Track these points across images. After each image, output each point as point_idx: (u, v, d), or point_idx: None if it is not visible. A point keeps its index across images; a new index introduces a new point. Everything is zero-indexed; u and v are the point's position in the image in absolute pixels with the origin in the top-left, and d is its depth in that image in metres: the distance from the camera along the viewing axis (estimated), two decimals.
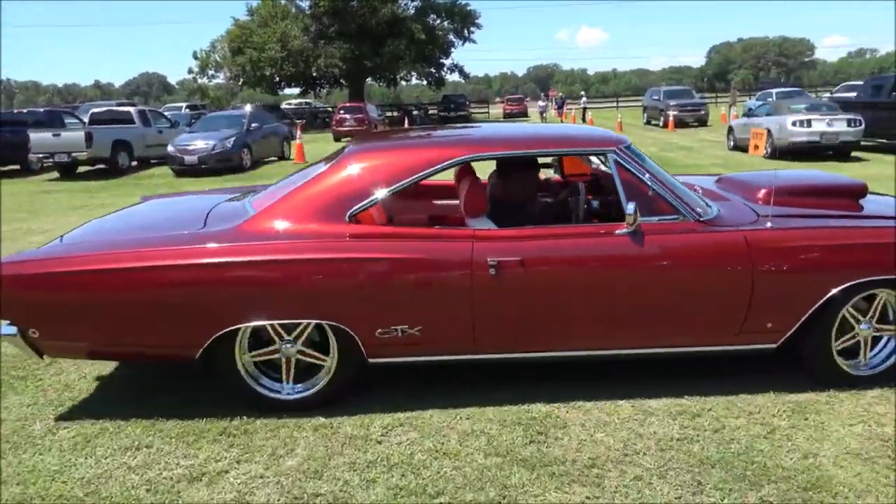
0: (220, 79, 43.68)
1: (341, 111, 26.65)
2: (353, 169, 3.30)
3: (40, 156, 14.77)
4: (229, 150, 14.83)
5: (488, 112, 47.55)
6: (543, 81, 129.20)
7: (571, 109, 35.60)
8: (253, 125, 16.39)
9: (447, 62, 42.71)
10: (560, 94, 43.95)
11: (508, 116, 41.62)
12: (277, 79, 39.32)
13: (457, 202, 4.32)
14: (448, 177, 3.99)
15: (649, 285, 3.17)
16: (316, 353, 3.24)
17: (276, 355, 3.21)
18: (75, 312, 3.07)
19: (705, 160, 14.19)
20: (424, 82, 44.96)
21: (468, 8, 41.14)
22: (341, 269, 3.06)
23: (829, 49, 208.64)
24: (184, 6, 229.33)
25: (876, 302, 3.30)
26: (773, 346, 3.30)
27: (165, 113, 20.83)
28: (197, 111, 27.72)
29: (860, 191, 3.77)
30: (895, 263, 3.15)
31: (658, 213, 3.20)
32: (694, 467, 2.73)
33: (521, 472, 2.71)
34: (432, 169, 3.25)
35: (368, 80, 43.28)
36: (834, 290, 3.14)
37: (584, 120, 30.92)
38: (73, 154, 14.50)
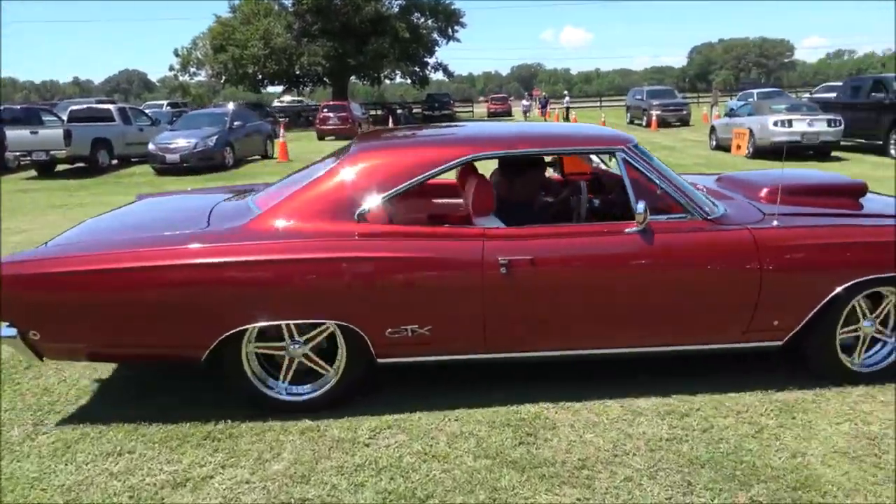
0: (202, 76, 43.33)
1: (325, 110, 26.47)
2: (362, 167, 3.26)
3: (17, 154, 14.50)
4: (211, 149, 14.67)
5: (472, 111, 47.51)
6: (527, 81, 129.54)
7: (555, 109, 35.72)
8: (235, 123, 16.22)
9: (431, 61, 42.66)
10: (543, 93, 44.08)
11: (492, 115, 41.65)
12: (260, 76, 39.00)
13: (458, 201, 4.32)
14: (447, 175, 3.96)
15: (659, 284, 3.17)
16: (320, 361, 3.21)
17: (282, 352, 3.17)
18: (79, 313, 2.99)
19: (688, 160, 14.28)
20: (408, 81, 44.88)
21: (452, 7, 41.13)
22: (351, 269, 3.03)
23: (809, 50, 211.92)
24: (165, 2, 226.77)
25: (884, 304, 3.36)
26: (779, 343, 3.33)
27: (146, 111, 20.53)
28: (178, 109, 27.41)
29: (860, 190, 3.81)
30: None
31: (666, 211, 3.22)
32: (684, 467, 2.72)
33: (511, 475, 2.69)
34: (442, 167, 3.23)
35: (352, 78, 43.06)
36: (839, 289, 3.17)
37: (567, 119, 31.05)
38: (52, 152, 14.25)
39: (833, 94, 16.26)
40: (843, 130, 13.54)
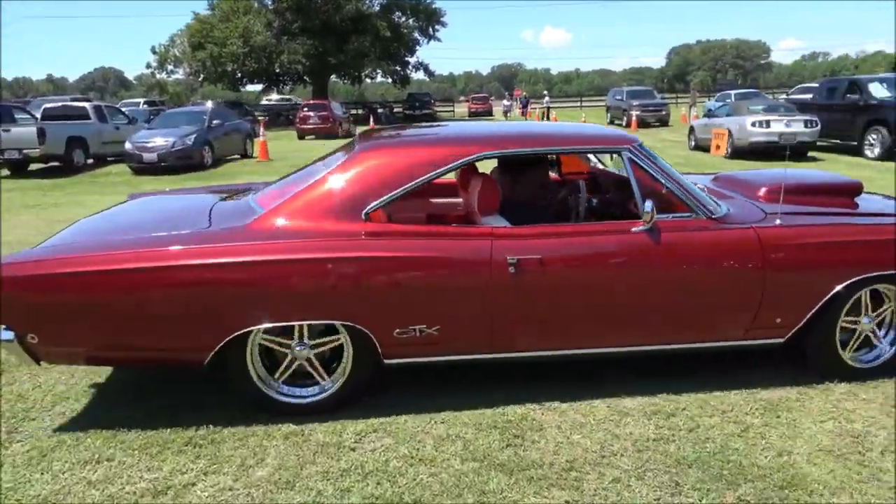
0: (180, 74, 42.89)
1: (305, 108, 26.26)
2: (369, 166, 3.22)
3: None
4: (190, 148, 14.45)
5: (453, 111, 47.52)
6: (508, 81, 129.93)
7: (535, 109, 35.85)
8: (214, 122, 16.01)
9: (412, 60, 42.63)
10: (524, 93, 44.19)
11: (473, 115, 41.68)
12: (239, 75, 38.65)
13: (457, 200, 4.30)
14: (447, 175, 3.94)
15: (667, 282, 3.19)
16: (320, 369, 3.18)
17: (286, 350, 3.13)
18: (80, 316, 2.91)
19: (668, 160, 14.13)
20: (389, 80, 44.73)
21: (433, 6, 41.09)
22: (358, 269, 2.98)
23: (784, 52, 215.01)
24: (142, 0, 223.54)
25: (885, 307, 3.43)
26: (781, 340, 3.37)
27: (123, 109, 20.19)
28: (156, 107, 27.02)
29: (856, 189, 3.87)
30: None
31: (671, 210, 3.24)
32: (671, 468, 2.72)
33: (499, 477, 2.66)
34: (450, 165, 3.22)
35: (332, 77, 42.86)
36: (839, 287, 3.22)
37: (547, 119, 31.16)
38: (25, 151, 13.90)
39: (809, 96, 16.48)
40: (820, 131, 13.74)
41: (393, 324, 3.04)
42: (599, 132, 3.90)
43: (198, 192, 4.67)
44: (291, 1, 34.41)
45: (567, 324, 3.21)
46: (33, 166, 14.83)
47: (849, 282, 3.22)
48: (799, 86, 24.39)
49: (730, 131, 14.26)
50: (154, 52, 40.03)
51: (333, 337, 3.12)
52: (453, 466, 2.75)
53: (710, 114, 17.94)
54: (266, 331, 3.06)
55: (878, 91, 13.73)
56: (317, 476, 2.70)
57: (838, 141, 14.38)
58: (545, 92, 45.25)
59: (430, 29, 41.56)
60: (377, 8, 38.48)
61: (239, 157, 17.20)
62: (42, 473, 2.75)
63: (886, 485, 2.58)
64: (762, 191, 3.73)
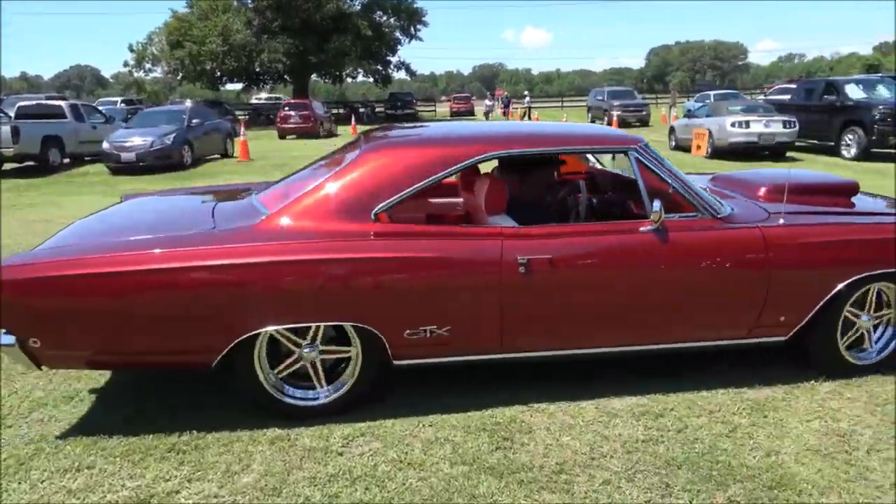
0: (158, 73, 42.42)
1: (286, 108, 26.05)
2: (377, 165, 3.18)
3: None
4: (169, 147, 14.24)
5: (435, 111, 47.48)
6: (489, 80, 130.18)
7: (517, 108, 35.92)
8: (194, 121, 15.79)
9: (394, 59, 42.52)
10: (506, 93, 44.29)
11: (455, 115, 41.68)
12: (219, 73, 38.25)
13: (456, 200, 4.28)
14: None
15: (674, 282, 3.20)
16: (321, 373, 3.14)
17: (300, 363, 3.09)
18: (84, 319, 2.83)
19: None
20: (371, 79, 44.60)
21: (415, 6, 41.03)
22: (368, 269, 2.95)
23: (762, 53, 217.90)
24: None
25: (886, 310, 3.50)
26: (783, 338, 3.40)
27: (100, 108, 19.86)
28: (133, 106, 26.68)
29: (853, 189, 3.92)
30: None
31: (677, 210, 3.26)
32: (661, 469, 2.71)
33: (490, 481, 2.64)
34: (460, 165, 3.21)
35: (313, 76, 42.60)
36: (840, 285, 3.27)
37: (529, 119, 31.24)
38: None
39: (787, 96, 16.69)
40: (798, 132, 13.92)
41: (403, 325, 3.02)
42: (606, 132, 3.92)
43: (192, 192, 4.60)
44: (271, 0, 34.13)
45: (576, 323, 3.22)
46: (7, 166, 14.50)
47: (850, 280, 3.27)
48: (775, 87, 24.65)
49: (710, 132, 14.41)
50: (132, 51, 39.56)
51: (344, 348, 3.11)
52: (442, 470, 2.72)
53: (689, 114, 18.11)
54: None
55: (855, 92, 13.96)
56: (304, 482, 2.65)
57: (816, 141, 14.59)
58: (526, 92, 45.29)
59: (412, 28, 41.51)
60: (358, 7, 38.37)
61: (219, 156, 17.00)
62: (20, 483, 2.67)
63: (873, 484, 2.60)
64: (762, 191, 3.77)
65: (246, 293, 2.87)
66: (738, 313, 3.30)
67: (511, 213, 3.45)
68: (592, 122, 28.34)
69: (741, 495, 2.54)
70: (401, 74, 45.41)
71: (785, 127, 13.76)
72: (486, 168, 3.82)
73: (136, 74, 42.42)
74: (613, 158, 4.41)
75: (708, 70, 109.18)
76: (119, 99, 31.12)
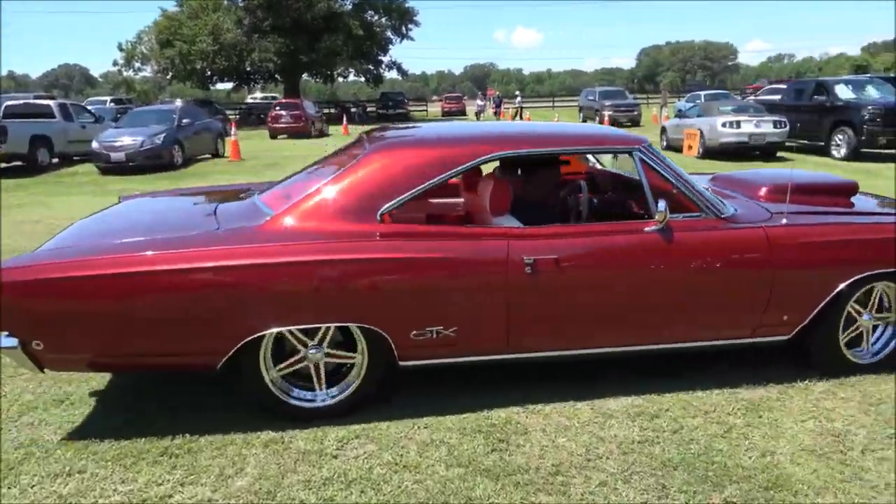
0: (148, 72, 42.15)
1: (277, 108, 25.94)
2: (383, 166, 3.16)
3: None
4: (159, 147, 14.14)
5: (426, 110, 47.44)
6: (480, 80, 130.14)
7: (509, 108, 35.94)
8: (184, 121, 15.69)
9: (385, 59, 42.44)
10: (497, 93, 44.26)
11: (447, 114, 41.62)
12: (209, 73, 38.05)
13: (457, 200, 4.27)
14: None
15: (680, 282, 3.21)
16: (322, 377, 3.13)
17: (304, 363, 3.08)
18: (88, 321, 2.79)
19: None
20: (362, 79, 44.50)
21: (406, 5, 40.97)
22: (375, 270, 2.94)
23: (751, 53, 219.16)
24: None
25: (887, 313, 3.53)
26: (786, 337, 3.42)
27: (89, 107, 19.71)
28: (123, 105, 26.50)
29: (853, 189, 3.95)
30: None
31: (681, 210, 3.27)
32: (657, 470, 2.71)
33: (486, 483, 2.63)
34: (466, 165, 3.20)
35: (304, 76, 42.45)
36: (842, 285, 3.31)
37: (521, 119, 31.26)
38: None
39: (778, 97, 16.77)
40: (788, 132, 14.00)
41: (410, 325, 3.00)
42: (610, 132, 3.94)
43: (189, 192, 4.57)
44: None
45: (581, 324, 3.22)
46: None
47: (851, 280, 3.30)
48: (767, 87, 24.78)
49: (701, 132, 14.46)
50: (121, 49, 39.28)
51: (349, 353, 3.11)
52: (438, 473, 2.70)
53: (680, 114, 18.19)
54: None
55: (844, 93, 14.04)
56: (298, 485, 2.63)
57: (806, 141, 14.67)
58: (517, 92, 45.36)
59: (403, 28, 41.45)
60: (349, 6, 38.24)
61: (210, 156, 16.91)
62: (9, 488, 2.63)
63: (869, 484, 2.60)
64: (763, 191, 3.79)
65: (252, 294, 2.84)
66: (743, 313, 3.32)
67: (514, 214, 3.44)
68: (584, 121, 28.42)
69: (737, 496, 2.53)
70: (392, 74, 45.45)
71: (775, 127, 13.83)
72: (486, 168, 3.81)
73: (125, 73, 42.20)
74: (616, 158, 4.41)
75: (698, 70, 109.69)
76: (108, 98, 30.92)
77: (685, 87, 61.58)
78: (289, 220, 3.03)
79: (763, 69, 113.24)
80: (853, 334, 3.50)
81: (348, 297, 2.93)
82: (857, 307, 3.45)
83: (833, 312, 3.38)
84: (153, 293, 2.79)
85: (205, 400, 3.33)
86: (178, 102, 23.12)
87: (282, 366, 3.06)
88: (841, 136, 13.53)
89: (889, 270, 3.35)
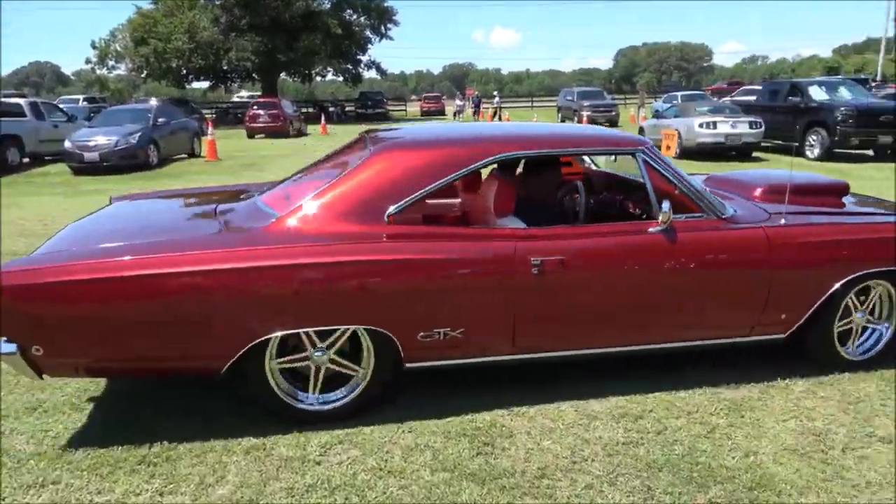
0: (122, 70, 41.42)
1: (255, 107, 25.65)
2: (389, 166, 3.12)
3: None
4: (134, 147, 13.88)
5: (405, 110, 47.32)
6: (459, 80, 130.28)
7: (488, 108, 35.98)
8: (160, 120, 15.43)
9: (364, 58, 42.27)
10: (477, 92, 44.30)
11: (426, 114, 41.61)
12: (185, 71, 37.55)
13: (464, 200, 4.25)
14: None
15: (683, 281, 3.24)
16: (318, 383, 3.09)
17: (306, 362, 3.04)
18: (90, 326, 2.72)
19: (620, 160, 14.59)
20: (340, 78, 44.25)
21: (385, 4, 40.83)
22: (383, 272, 2.90)
23: (726, 55, 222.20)
24: None
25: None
26: (783, 336, 3.48)
27: (61, 106, 19.32)
28: (96, 104, 25.98)
29: (844, 189, 4.02)
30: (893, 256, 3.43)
31: (683, 211, 3.29)
32: (642, 472, 2.71)
33: (472, 488, 2.60)
34: (473, 166, 3.19)
35: (282, 75, 42.09)
36: (837, 284, 3.38)
37: (500, 119, 31.31)
38: None
39: (753, 98, 17.00)
40: (763, 132, 14.20)
41: (417, 327, 2.99)
42: (614, 134, 3.98)
43: (183, 194, 4.47)
44: None
45: (587, 324, 3.24)
46: None
47: (846, 279, 3.38)
48: (741, 89, 25.11)
49: (679, 132, 14.60)
50: (94, 47, 38.57)
51: (353, 366, 3.09)
52: (423, 478, 2.67)
53: (658, 115, 18.34)
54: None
55: (818, 94, 14.29)
56: (281, 493, 2.58)
57: (780, 142, 14.89)
58: (495, 92, 45.39)
59: (382, 27, 41.31)
60: (328, 5, 38.01)
61: (186, 156, 16.66)
62: None
63: (850, 483, 2.63)
64: (758, 191, 3.85)
65: (258, 297, 2.80)
66: (743, 312, 3.37)
67: (516, 214, 3.44)
68: (563, 121, 28.56)
69: (722, 497, 2.54)
70: (371, 73, 45.25)
71: (751, 128, 14.01)
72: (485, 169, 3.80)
73: (98, 72, 41.42)
74: (615, 160, 4.43)
75: (674, 71, 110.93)
76: (81, 97, 30.26)
77: (661, 88, 62.23)
78: (295, 222, 3.00)
79: (737, 70, 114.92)
80: (844, 326, 3.57)
81: (355, 300, 2.90)
82: (854, 301, 3.54)
83: (828, 311, 3.45)
84: (157, 296, 2.73)
85: (183, 405, 3.26)
86: (154, 101, 22.79)
87: (282, 359, 3.01)
88: (815, 137, 13.76)
89: (882, 269, 3.43)
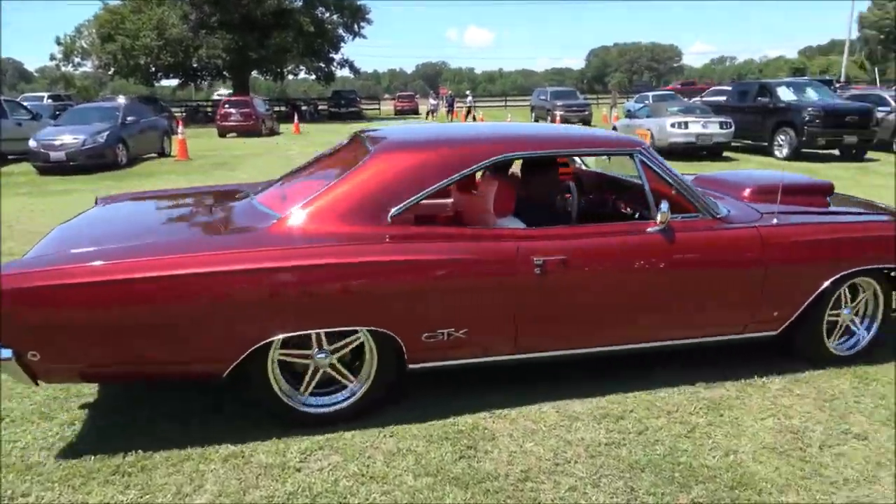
0: (88, 67, 40.50)
1: (226, 105, 25.28)
2: (392, 166, 3.09)
3: None
4: (102, 146, 13.54)
5: (379, 109, 47.10)
6: (432, 79, 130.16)
7: (462, 108, 35.99)
8: (128, 118, 15.08)
9: (337, 57, 41.95)
10: (450, 91, 44.28)
11: (399, 113, 41.49)
12: (153, 69, 36.86)
13: (462, 200, 4.23)
14: None
15: (681, 280, 3.30)
16: (311, 383, 3.05)
17: (307, 361, 2.99)
18: (88, 331, 2.63)
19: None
20: (313, 77, 43.88)
21: (357, 2, 40.56)
22: (387, 273, 2.87)
23: (695, 55, 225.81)
24: None
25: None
26: (774, 333, 3.54)
27: (24, 103, 18.80)
28: (61, 102, 25.31)
29: (829, 189, 4.12)
30: (884, 253, 3.54)
31: (679, 211, 3.33)
32: (625, 473, 2.72)
33: (455, 492, 2.58)
34: (475, 166, 3.19)
35: (254, 73, 41.58)
36: (827, 282, 3.46)
37: (473, 119, 31.33)
38: None
39: (723, 98, 17.26)
40: (733, 132, 14.43)
41: (421, 328, 2.97)
42: (611, 135, 4.03)
43: (173, 194, 4.37)
44: None
45: (588, 323, 3.27)
46: None
47: (836, 276, 3.46)
48: (711, 90, 25.49)
49: (651, 132, 14.76)
50: (59, 44, 37.61)
51: (350, 376, 3.07)
52: (406, 483, 2.65)
53: (630, 115, 18.52)
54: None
55: (786, 94, 14.57)
56: (261, 501, 2.53)
57: (750, 141, 15.17)
58: (468, 91, 45.44)
59: (355, 25, 41.05)
60: (300, 3, 37.61)
61: (156, 155, 16.34)
62: None
63: (828, 480, 2.67)
64: (746, 191, 3.91)
65: (261, 299, 2.75)
66: (739, 310, 3.44)
67: (525, 214, 3.43)
68: (536, 121, 28.70)
69: (704, 496, 2.56)
70: (344, 72, 44.94)
71: (722, 128, 14.23)
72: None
73: (63, 69, 40.42)
74: (609, 160, 4.46)
75: (645, 71, 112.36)
76: (46, 94, 29.48)
77: (633, 88, 62.95)
78: (296, 223, 2.96)
79: (706, 71, 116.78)
80: (833, 318, 3.66)
81: (360, 301, 2.87)
82: (846, 294, 3.64)
83: (817, 308, 3.53)
84: (157, 299, 2.66)
85: (158, 412, 3.18)
86: (122, 99, 22.30)
87: (285, 351, 2.96)
88: (783, 137, 14.04)
89: (870, 267, 3.53)
